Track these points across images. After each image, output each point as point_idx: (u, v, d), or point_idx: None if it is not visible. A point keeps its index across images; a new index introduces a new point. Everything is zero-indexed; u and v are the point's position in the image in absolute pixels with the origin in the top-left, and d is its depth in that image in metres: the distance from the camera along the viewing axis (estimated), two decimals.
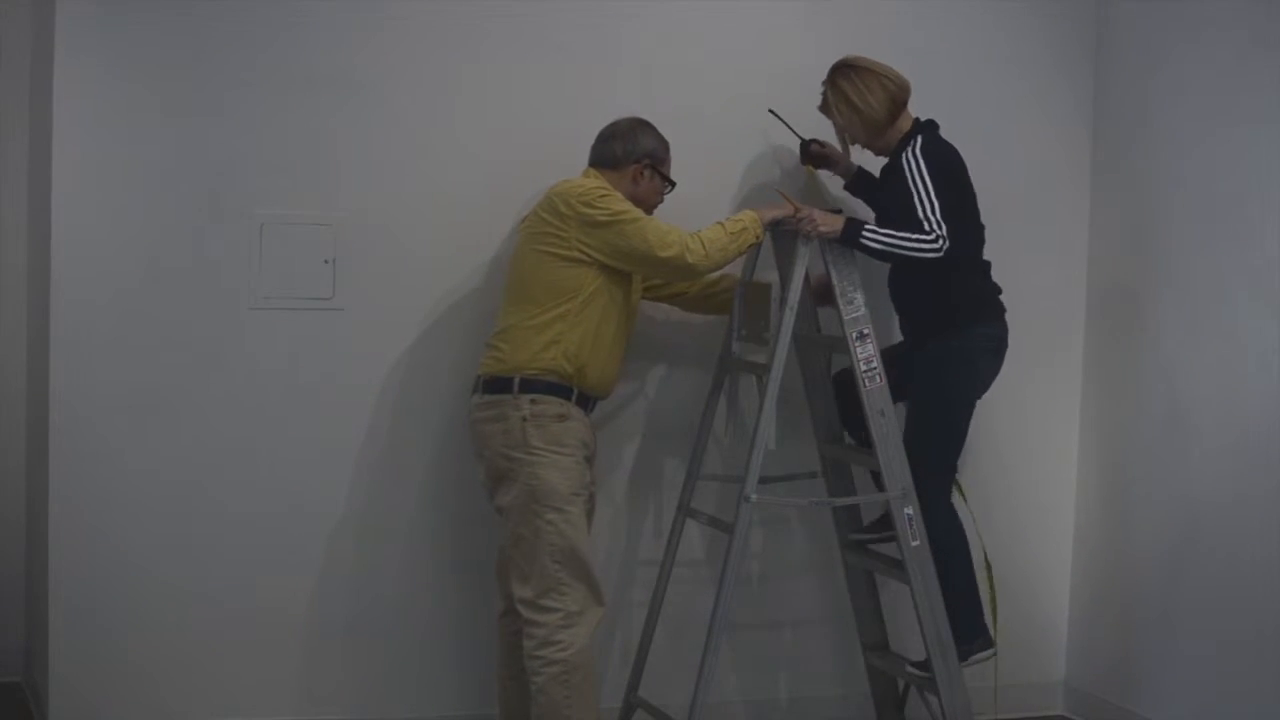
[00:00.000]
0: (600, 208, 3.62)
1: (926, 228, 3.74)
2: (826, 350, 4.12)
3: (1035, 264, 4.52)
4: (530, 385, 3.63)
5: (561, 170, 3.85)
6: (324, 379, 3.99)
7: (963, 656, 3.93)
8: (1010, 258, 4.31)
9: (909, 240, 3.74)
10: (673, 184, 3.89)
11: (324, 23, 3.92)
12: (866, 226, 3.78)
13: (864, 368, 3.81)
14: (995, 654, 4.04)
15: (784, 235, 3.94)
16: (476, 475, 3.80)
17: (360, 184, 3.99)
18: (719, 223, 3.74)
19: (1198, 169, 4.12)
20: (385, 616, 4.09)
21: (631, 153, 3.81)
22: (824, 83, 3.96)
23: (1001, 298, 4.02)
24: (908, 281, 3.94)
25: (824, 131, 4.10)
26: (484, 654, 4.02)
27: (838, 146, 4.10)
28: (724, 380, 4.06)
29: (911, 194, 3.78)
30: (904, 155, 3.86)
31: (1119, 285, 4.47)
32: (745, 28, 4.25)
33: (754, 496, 3.76)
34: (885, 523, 4.01)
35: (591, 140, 3.89)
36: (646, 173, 3.83)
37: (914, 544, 3.85)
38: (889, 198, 3.96)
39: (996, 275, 4.07)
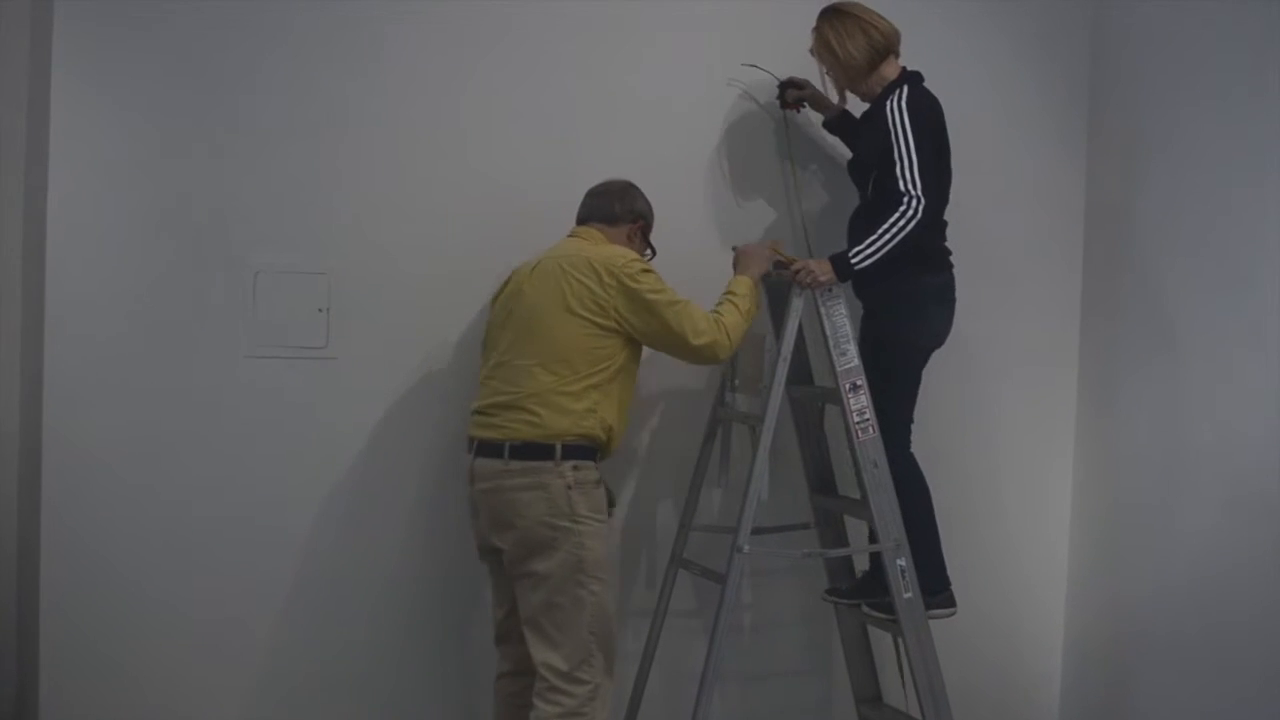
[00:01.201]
0: (644, 285, 3.59)
1: (903, 190, 3.74)
2: (819, 401, 4.13)
3: (1029, 309, 4.55)
4: (572, 452, 3.55)
5: (557, 218, 3.90)
6: (316, 428, 3.99)
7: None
8: (1003, 304, 4.36)
9: (890, 229, 3.73)
10: (654, 251, 3.90)
11: (321, 71, 3.95)
12: (850, 252, 3.76)
13: (857, 419, 3.81)
14: (955, 614, 4.00)
15: (777, 287, 3.96)
16: (474, 537, 3.73)
17: (355, 233, 4.00)
18: (731, 302, 3.73)
19: (1192, 216, 4.13)
20: (370, 665, 4.07)
21: (629, 212, 3.83)
22: (813, 29, 3.99)
23: (950, 256, 4.02)
24: (868, 228, 3.83)
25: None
26: (465, 698, 4.00)
27: (821, 88, 4.12)
28: (717, 431, 4.06)
29: (892, 149, 3.79)
30: (888, 104, 3.85)
31: (1114, 331, 4.48)
32: (732, 58, 4.26)
33: (746, 547, 3.76)
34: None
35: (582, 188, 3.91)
36: (638, 235, 3.85)
37: (906, 596, 3.84)
38: (868, 146, 3.95)
39: (990, 317, 4.09)
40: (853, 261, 3.76)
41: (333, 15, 3.95)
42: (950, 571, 4.03)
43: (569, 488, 3.51)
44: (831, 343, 3.81)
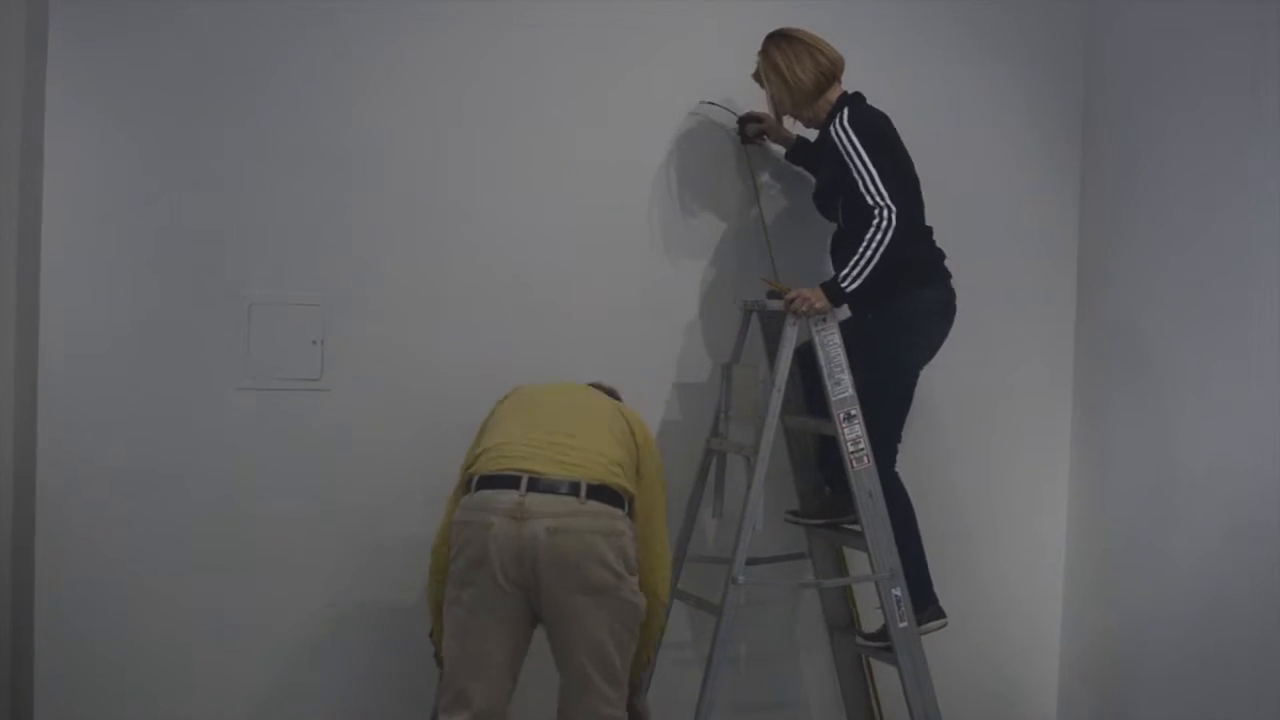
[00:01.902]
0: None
1: (871, 204, 3.77)
2: (814, 431, 4.13)
3: (1023, 336, 4.57)
4: (630, 510, 3.46)
5: (551, 242, 4.00)
6: (310, 460, 3.98)
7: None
8: (998, 332, 4.38)
9: (871, 245, 3.76)
10: None
11: (315, 102, 3.96)
12: (839, 277, 3.78)
13: (851, 448, 3.82)
14: (946, 624, 4.00)
15: (770, 317, 3.97)
16: (493, 571, 3.35)
17: (349, 264, 4.01)
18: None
19: (1187, 245, 4.15)
20: (367, 691, 4.06)
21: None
22: (759, 52, 4.00)
23: (946, 264, 4.03)
24: (849, 250, 3.86)
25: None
26: None
27: (770, 114, 4.13)
28: (711, 462, 4.06)
29: (850, 169, 3.82)
30: (832, 128, 3.88)
31: (1107, 361, 4.50)
32: (725, 79, 4.28)
33: (741, 578, 3.76)
34: (828, 507, 4.07)
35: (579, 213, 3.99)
36: None
37: (901, 625, 3.84)
38: (826, 174, 3.99)
39: (985, 345, 4.09)
40: (843, 285, 3.77)
41: (328, 48, 3.96)
42: (945, 600, 4.03)
43: (632, 539, 3.40)
44: (826, 372, 3.81)
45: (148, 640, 3.88)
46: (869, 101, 3.98)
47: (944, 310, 3.99)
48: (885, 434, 3.94)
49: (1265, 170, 3.86)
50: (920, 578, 3.96)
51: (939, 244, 4.04)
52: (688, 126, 4.27)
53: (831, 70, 3.95)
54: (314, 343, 3.99)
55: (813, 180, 4.18)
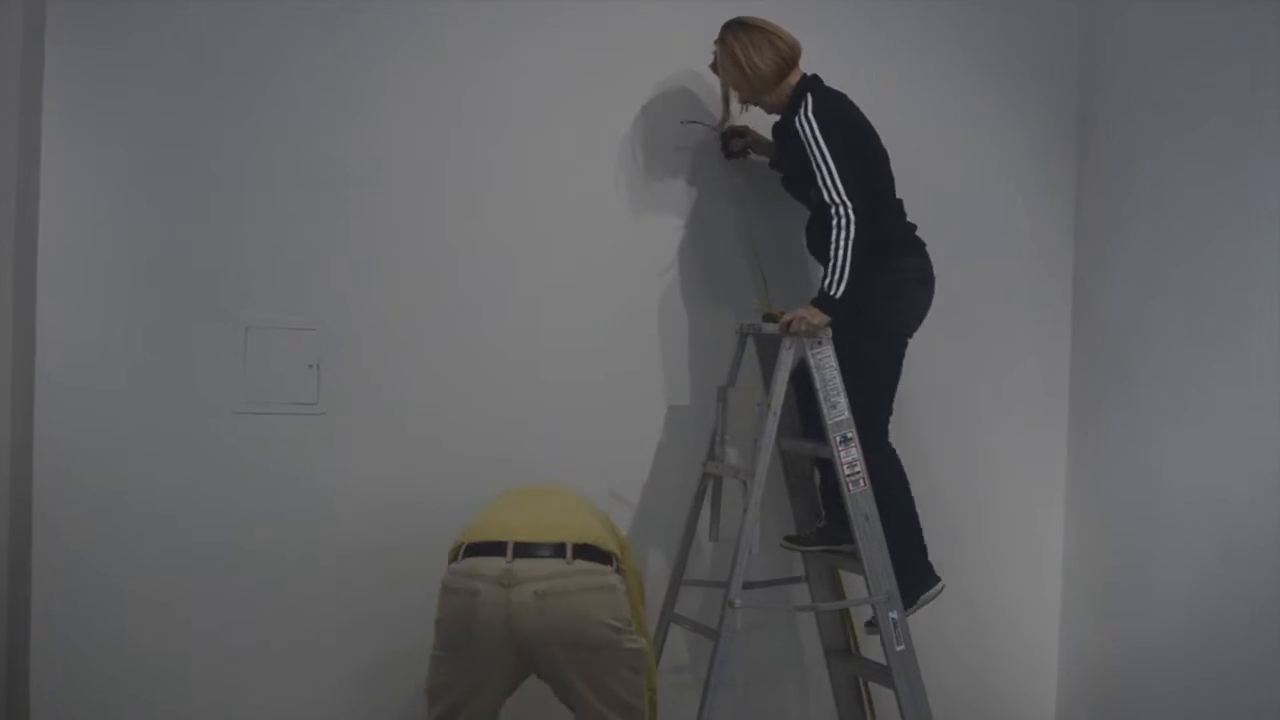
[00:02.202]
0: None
1: (829, 201, 3.78)
2: (810, 454, 4.13)
3: (1017, 360, 4.58)
4: (619, 569, 3.44)
5: (550, 269, 4.03)
6: (306, 484, 3.98)
7: (910, 603, 3.91)
8: (993, 356, 4.39)
9: (838, 246, 3.77)
10: None
11: (311, 126, 3.96)
12: (824, 288, 3.79)
13: (848, 471, 3.82)
14: (943, 587, 4.01)
15: (766, 340, 3.98)
16: (478, 641, 3.34)
17: (345, 288, 4.00)
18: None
19: (1181, 267, 4.16)
20: (358, 716, 4.04)
21: None
22: (715, 41, 3.99)
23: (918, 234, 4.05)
24: (821, 231, 3.88)
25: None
26: None
27: (731, 107, 4.11)
28: (707, 485, 4.06)
29: (810, 162, 3.83)
30: (797, 119, 3.88)
31: (1102, 383, 4.50)
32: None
33: (738, 602, 3.75)
34: (823, 535, 4.05)
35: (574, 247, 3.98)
36: None
37: (899, 649, 3.83)
38: (790, 162, 4.00)
39: (977, 370, 4.09)
40: (831, 294, 3.78)
41: (327, 72, 3.97)
42: (941, 623, 4.03)
43: (625, 593, 3.39)
44: (821, 395, 3.81)
45: (144, 661, 3.86)
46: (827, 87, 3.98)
47: (925, 277, 4.01)
48: (877, 405, 3.95)
49: (1263, 179, 3.87)
50: (914, 550, 3.95)
51: (931, 244, 4.07)
52: (676, 144, 4.29)
53: (791, 56, 3.94)
54: (310, 367, 3.99)
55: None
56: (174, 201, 3.87)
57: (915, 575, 3.95)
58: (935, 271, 4.02)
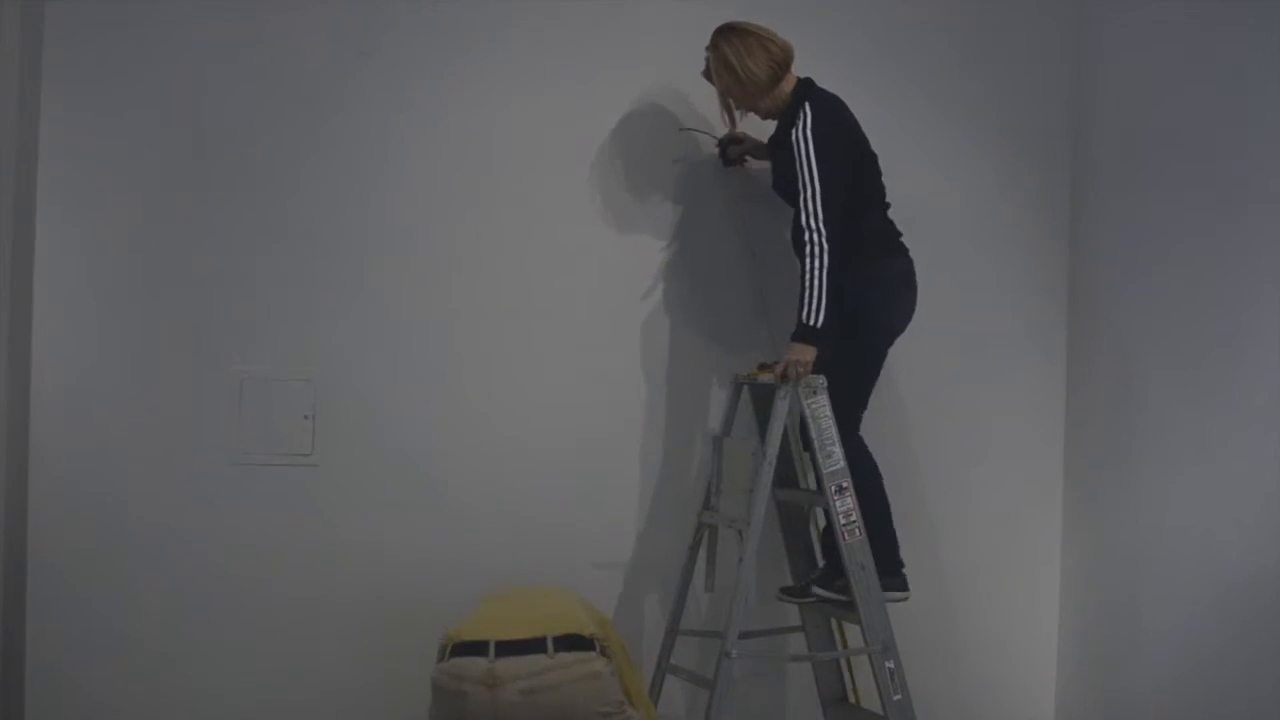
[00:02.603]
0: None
1: (804, 225, 3.78)
2: (805, 504, 4.13)
3: (1013, 408, 4.58)
4: (604, 651, 3.44)
5: (544, 316, 4.05)
6: (301, 534, 3.97)
7: None
8: (988, 402, 4.40)
9: (812, 275, 3.76)
10: None
11: (307, 181, 3.98)
12: (802, 319, 3.78)
13: (843, 521, 3.81)
14: (908, 598, 3.97)
15: (761, 390, 3.98)
16: None
17: (340, 340, 4.01)
18: None
19: (1176, 317, 4.17)
20: None
21: None
22: (707, 48, 3.97)
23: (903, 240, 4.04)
24: (801, 271, 3.87)
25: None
26: None
27: (727, 116, 4.08)
28: (703, 535, 4.06)
29: (798, 178, 3.82)
30: (794, 133, 3.86)
31: (1098, 434, 4.50)
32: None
33: (735, 652, 3.74)
34: (819, 579, 4.00)
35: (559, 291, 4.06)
36: None
37: (896, 698, 3.82)
38: (780, 170, 3.98)
39: (975, 416, 4.10)
40: (810, 324, 3.78)
41: (322, 131, 4.00)
42: (938, 669, 4.02)
43: (612, 674, 3.37)
44: (817, 444, 3.81)
45: (140, 710, 3.84)
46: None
47: (912, 281, 4.01)
48: (854, 402, 3.93)
49: (1254, 233, 3.89)
50: (888, 544, 3.93)
51: (926, 297, 4.06)
52: (677, 175, 4.31)
53: (784, 59, 3.93)
54: (305, 417, 3.99)
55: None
56: (170, 254, 3.89)
57: (885, 569, 3.91)
58: (929, 324, 4.02)
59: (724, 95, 4.02)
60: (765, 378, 3.92)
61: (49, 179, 3.81)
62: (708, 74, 4.00)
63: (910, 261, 4.02)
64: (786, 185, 3.95)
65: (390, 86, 4.06)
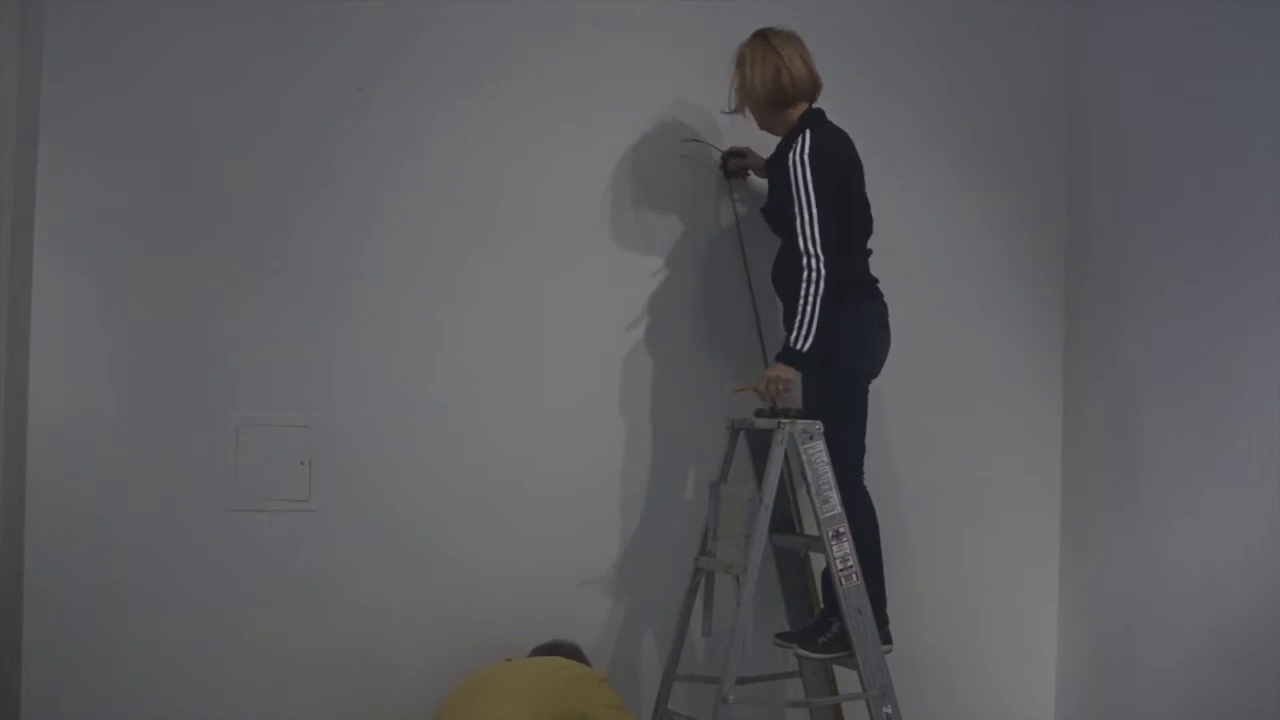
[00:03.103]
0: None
1: (802, 250, 3.79)
2: (802, 549, 4.14)
3: (1009, 452, 4.61)
4: None
5: (539, 359, 4.09)
6: (299, 581, 3.96)
7: (848, 646, 3.84)
8: (984, 446, 4.43)
9: (806, 299, 3.77)
10: None
11: (304, 225, 3.99)
12: (790, 340, 3.79)
13: (840, 566, 3.82)
14: (891, 651, 3.93)
15: (757, 435, 3.99)
16: None
17: (337, 386, 4.01)
18: None
19: (1171, 362, 4.18)
20: None
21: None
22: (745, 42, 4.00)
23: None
24: (790, 271, 3.88)
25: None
26: None
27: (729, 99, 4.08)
28: (700, 580, 4.05)
29: (793, 203, 3.82)
30: (790, 156, 3.86)
31: (1094, 482, 4.51)
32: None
33: (732, 697, 3.73)
34: (813, 631, 3.99)
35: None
36: None
37: None
38: (777, 195, 3.98)
39: (971, 459, 4.18)
40: (797, 347, 3.79)
41: (320, 173, 4.01)
42: (936, 714, 4.01)
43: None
44: (814, 490, 3.82)
45: None
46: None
47: (884, 321, 4.02)
48: (849, 448, 3.93)
49: (1252, 270, 3.90)
50: (875, 595, 3.90)
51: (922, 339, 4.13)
52: (675, 210, 4.34)
53: (793, 92, 3.93)
54: (302, 464, 3.99)
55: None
56: (166, 300, 3.89)
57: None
58: (924, 362, 4.03)
59: (732, 87, 4.04)
60: (763, 424, 3.92)
61: (46, 226, 3.80)
62: (734, 62, 4.03)
63: (883, 303, 4.03)
64: (777, 211, 3.96)
65: (387, 125, 4.07)
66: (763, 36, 3.99)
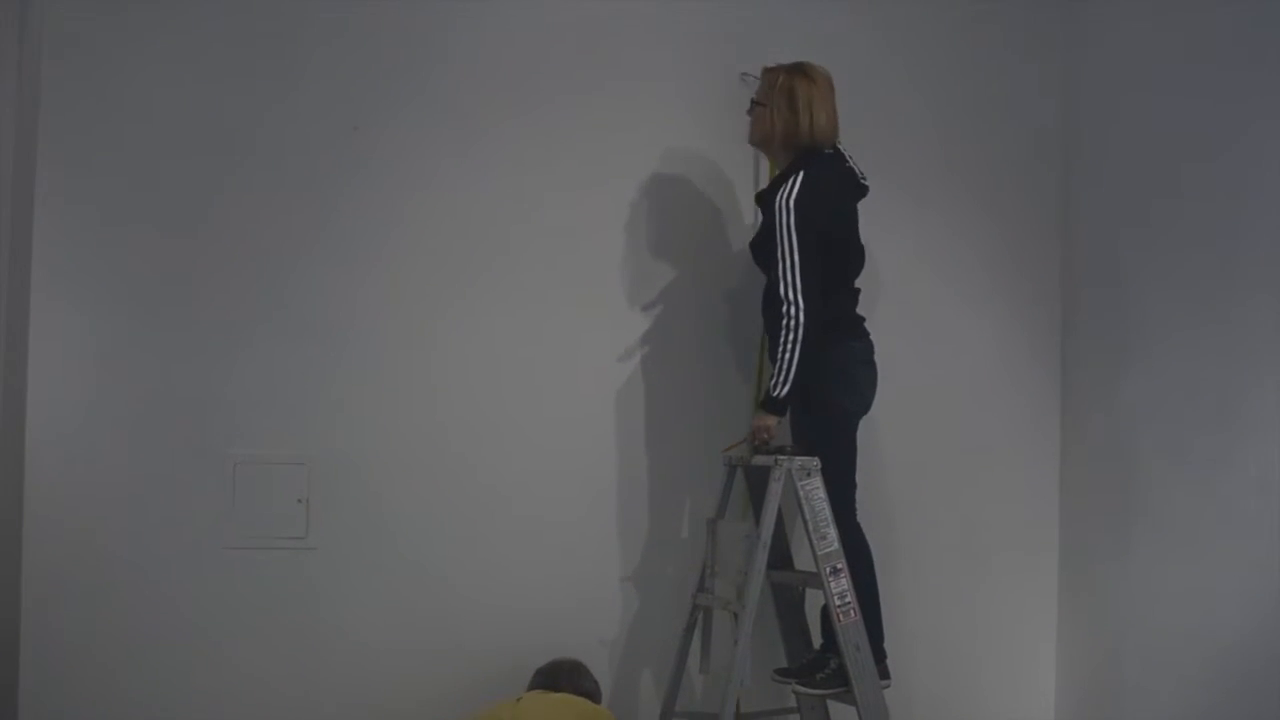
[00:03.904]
0: None
1: (782, 296, 3.82)
2: (800, 585, 4.13)
3: (1008, 493, 4.61)
4: None
5: (537, 396, 4.10)
6: (296, 619, 3.95)
7: (845, 681, 3.84)
8: (982, 488, 4.44)
9: (785, 347, 3.82)
10: None
11: (302, 264, 3.99)
12: (771, 388, 3.85)
13: (838, 602, 3.82)
14: (890, 686, 3.93)
15: (755, 472, 4.00)
16: None
17: (333, 423, 4.01)
18: None
19: (1169, 399, 4.20)
20: None
21: (575, 690, 3.86)
22: (783, 68, 4.01)
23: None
24: (775, 310, 3.90)
25: None
26: None
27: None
28: (697, 617, 4.05)
29: (777, 248, 3.85)
30: (778, 197, 3.87)
31: (1092, 512, 4.52)
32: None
33: None
34: (811, 667, 3.99)
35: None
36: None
37: None
38: (763, 229, 3.99)
39: (969, 503, 4.14)
40: (775, 395, 3.85)
41: (318, 203, 4.01)
42: None
43: None
44: (811, 527, 3.82)
45: None
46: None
47: (869, 358, 4.03)
48: (839, 485, 3.92)
49: (1252, 308, 3.92)
50: (872, 631, 3.90)
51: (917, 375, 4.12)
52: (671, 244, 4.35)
53: (800, 141, 3.95)
54: (299, 501, 3.98)
55: None
56: (164, 338, 3.89)
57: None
58: (919, 405, 4.05)
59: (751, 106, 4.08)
60: (760, 460, 3.92)
61: (44, 256, 3.80)
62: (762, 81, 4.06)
63: (869, 342, 4.04)
64: (763, 245, 3.98)
65: (383, 163, 4.08)
66: (795, 70, 3.98)
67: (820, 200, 3.89)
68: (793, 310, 3.82)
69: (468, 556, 4.08)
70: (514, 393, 4.15)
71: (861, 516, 4.00)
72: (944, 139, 4.64)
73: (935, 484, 4.55)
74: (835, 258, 3.94)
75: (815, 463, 3.83)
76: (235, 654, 3.90)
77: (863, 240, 4.07)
